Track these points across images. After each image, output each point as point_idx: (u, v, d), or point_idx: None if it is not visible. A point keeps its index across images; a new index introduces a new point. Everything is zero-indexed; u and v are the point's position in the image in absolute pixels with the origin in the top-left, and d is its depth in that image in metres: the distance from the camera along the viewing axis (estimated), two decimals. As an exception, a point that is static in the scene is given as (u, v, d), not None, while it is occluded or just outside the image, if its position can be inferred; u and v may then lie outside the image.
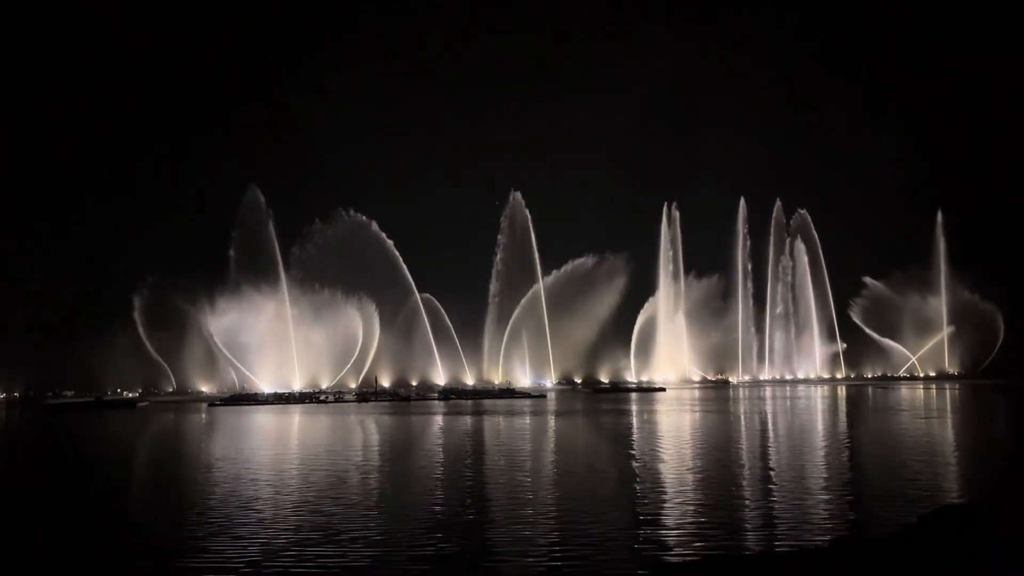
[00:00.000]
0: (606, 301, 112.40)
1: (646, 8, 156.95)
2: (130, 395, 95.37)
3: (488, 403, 72.43)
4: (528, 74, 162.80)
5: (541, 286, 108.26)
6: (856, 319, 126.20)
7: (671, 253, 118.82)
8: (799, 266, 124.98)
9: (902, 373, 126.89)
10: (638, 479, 22.42)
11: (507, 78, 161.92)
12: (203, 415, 60.68)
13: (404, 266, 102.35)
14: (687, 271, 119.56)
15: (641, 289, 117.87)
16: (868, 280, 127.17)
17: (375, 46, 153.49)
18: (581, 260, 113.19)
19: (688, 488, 20.76)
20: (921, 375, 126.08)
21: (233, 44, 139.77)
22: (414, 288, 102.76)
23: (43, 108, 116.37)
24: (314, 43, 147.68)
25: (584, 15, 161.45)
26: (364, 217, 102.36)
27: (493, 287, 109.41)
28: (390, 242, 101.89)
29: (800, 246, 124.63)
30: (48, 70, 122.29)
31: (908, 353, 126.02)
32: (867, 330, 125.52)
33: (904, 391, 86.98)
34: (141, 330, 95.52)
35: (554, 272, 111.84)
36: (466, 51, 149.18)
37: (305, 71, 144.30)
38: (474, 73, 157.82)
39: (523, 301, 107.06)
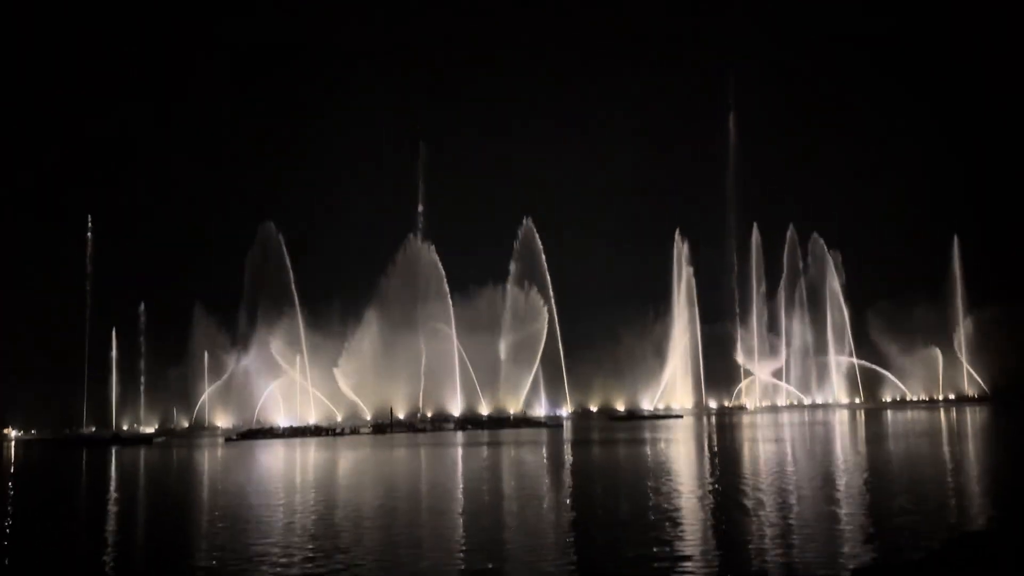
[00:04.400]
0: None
1: (657, 37, 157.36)
2: (146, 430, 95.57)
3: (504, 433, 72.26)
4: (543, 100, 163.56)
5: (555, 315, 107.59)
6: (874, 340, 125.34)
7: (683, 281, 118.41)
8: (819, 289, 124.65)
9: (921, 396, 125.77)
10: (653, 508, 22.26)
11: (523, 102, 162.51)
12: (219, 450, 60.73)
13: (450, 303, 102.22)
14: (700, 299, 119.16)
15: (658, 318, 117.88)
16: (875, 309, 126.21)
17: (390, 71, 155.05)
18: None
19: (707, 514, 20.63)
20: (940, 398, 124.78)
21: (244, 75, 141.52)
22: (452, 325, 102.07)
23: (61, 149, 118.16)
24: (327, 68, 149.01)
25: (596, 43, 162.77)
26: (429, 245, 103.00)
27: (506, 315, 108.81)
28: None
29: (826, 267, 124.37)
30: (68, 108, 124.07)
31: (900, 385, 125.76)
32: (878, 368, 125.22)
33: (923, 415, 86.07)
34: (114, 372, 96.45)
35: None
36: (485, 75, 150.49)
37: (318, 95, 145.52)
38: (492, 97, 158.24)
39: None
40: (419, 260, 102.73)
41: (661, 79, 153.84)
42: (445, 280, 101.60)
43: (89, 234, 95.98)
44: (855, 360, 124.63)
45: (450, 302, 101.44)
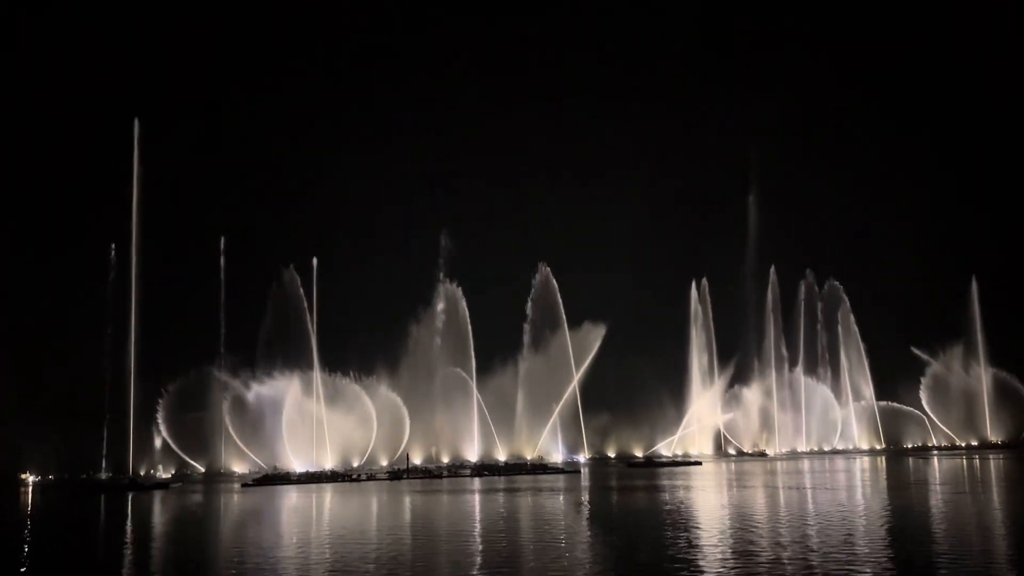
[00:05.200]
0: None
1: (672, 84, 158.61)
2: (163, 476, 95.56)
3: (521, 479, 71.79)
4: (558, 147, 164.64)
5: (573, 365, 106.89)
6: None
7: (700, 330, 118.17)
8: (838, 334, 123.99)
9: (943, 443, 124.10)
10: (672, 559, 22.04)
11: (539, 150, 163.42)
12: (235, 496, 60.62)
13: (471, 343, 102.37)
14: (717, 343, 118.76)
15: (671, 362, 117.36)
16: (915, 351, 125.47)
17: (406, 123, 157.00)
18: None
19: (729, 565, 20.42)
20: (963, 444, 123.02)
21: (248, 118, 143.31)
22: (473, 371, 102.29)
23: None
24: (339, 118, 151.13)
25: (612, 91, 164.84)
26: (457, 286, 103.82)
27: (523, 362, 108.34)
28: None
29: (843, 313, 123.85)
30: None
31: (927, 421, 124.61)
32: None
33: (946, 462, 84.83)
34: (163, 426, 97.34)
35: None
36: (498, 126, 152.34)
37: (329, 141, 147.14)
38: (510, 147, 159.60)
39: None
40: (444, 301, 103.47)
41: (681, 128, 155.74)
42: (469, 324, 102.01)
43: (112, 254, 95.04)
44: (875, 404, 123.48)
45: (471, 342, 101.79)
